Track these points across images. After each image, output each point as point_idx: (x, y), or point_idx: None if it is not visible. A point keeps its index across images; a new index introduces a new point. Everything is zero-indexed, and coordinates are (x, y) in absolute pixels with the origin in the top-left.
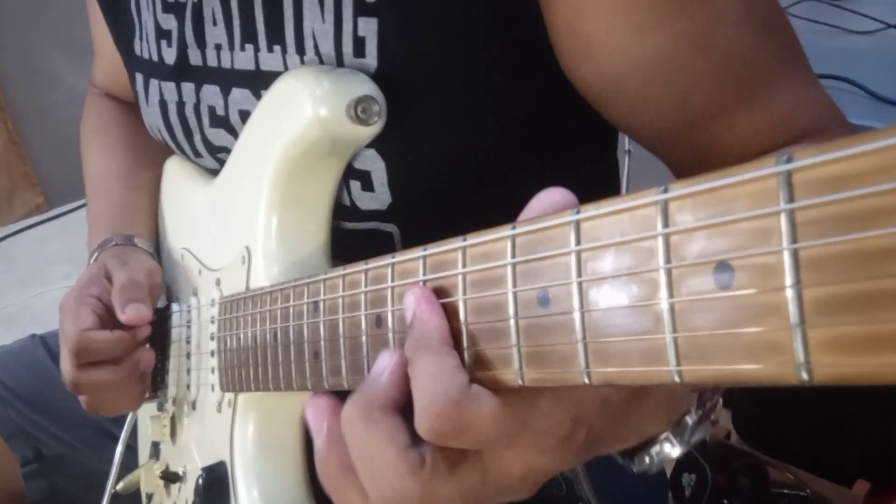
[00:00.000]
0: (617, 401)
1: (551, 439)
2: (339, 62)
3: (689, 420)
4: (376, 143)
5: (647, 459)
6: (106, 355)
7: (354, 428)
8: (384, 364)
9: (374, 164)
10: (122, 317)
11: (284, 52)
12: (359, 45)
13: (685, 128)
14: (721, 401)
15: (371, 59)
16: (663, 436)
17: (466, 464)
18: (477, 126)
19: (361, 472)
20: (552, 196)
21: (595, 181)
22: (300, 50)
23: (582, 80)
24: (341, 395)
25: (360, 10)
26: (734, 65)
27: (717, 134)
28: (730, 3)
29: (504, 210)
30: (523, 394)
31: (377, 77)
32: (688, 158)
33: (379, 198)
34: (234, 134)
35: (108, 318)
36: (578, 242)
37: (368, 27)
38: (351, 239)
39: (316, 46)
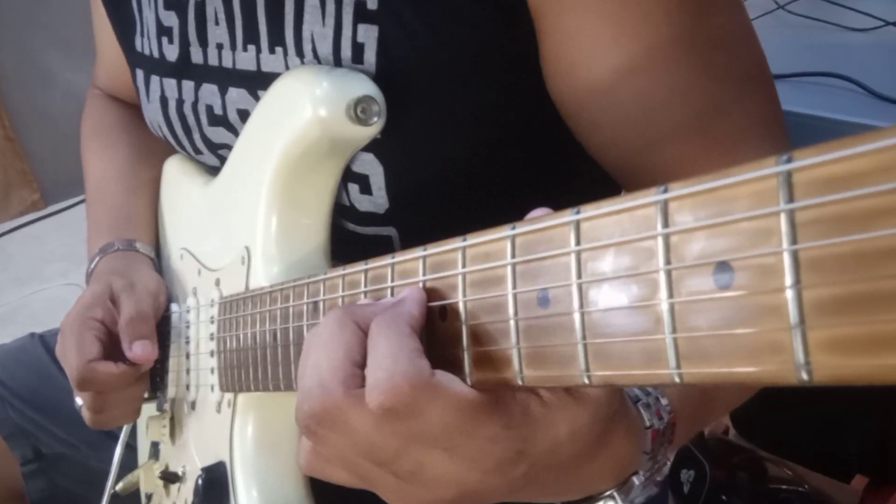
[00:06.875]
0: (568, 451)
1: (491, 460)
2: (338, 66)
3: (636, 480)
4: (375, 148)
5: None
6: (109, 388)
7: (328, 323)
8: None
9: (373, 169)
10: (129, 353)
11: (286, 53)
12: (357, 51)
13: (650, 163)
14: (668, 464)
15: (369, 66)
16: (608, 493)
17: (396, 427)
18: (475, 132)
19: (306, 360)
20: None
21: (595, 181)
22: (299, 52)
23: (560, 104)
24: None
25: (361, 16)
26: (710, 118)
27: (680, 174)
28: (718, 56)
29: (502, 215)
30: (483, 406)
31: (375, 83)
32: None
33: (376, 202)
34: (234, 132)
35: (111, 345)
36: (578, 242)
37: (368, 34)
38: (351, 242)
39: (314, 50)
